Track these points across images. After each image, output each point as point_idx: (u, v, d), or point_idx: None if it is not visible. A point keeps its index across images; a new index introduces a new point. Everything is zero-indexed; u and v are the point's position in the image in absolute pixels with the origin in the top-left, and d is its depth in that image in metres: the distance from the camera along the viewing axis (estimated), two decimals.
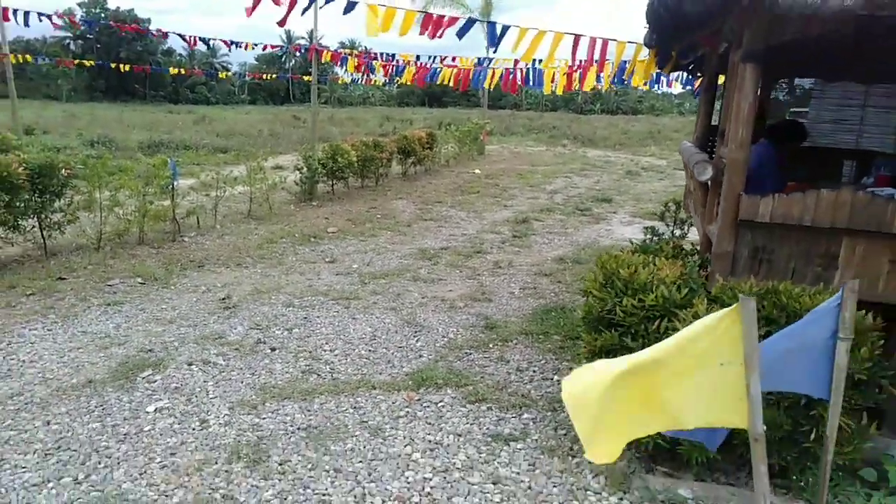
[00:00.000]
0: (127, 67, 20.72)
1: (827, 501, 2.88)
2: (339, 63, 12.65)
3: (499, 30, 6.39)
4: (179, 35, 11.04)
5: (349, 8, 6.85)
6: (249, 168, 11.09)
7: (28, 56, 18.87)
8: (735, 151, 3.46)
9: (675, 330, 2.98)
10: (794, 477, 3.04)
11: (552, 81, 10.16)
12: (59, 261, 7.46)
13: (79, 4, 61.74)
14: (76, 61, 25.24)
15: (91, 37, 62.69)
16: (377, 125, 35.47)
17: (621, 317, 3.17)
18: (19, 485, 3.12)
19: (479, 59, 11.53)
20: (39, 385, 4.27)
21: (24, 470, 3.25)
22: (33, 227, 7.55)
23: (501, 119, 41.38)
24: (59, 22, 14.99)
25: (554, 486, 3.17)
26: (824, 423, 2.88)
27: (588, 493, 3.12)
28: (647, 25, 4.04)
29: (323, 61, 12.00)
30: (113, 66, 19.77)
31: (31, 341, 5.06)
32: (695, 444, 3.02)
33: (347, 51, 11.31)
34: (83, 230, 8.21)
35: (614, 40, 6.23)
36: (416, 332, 5.59)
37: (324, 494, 3.09)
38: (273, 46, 12.55)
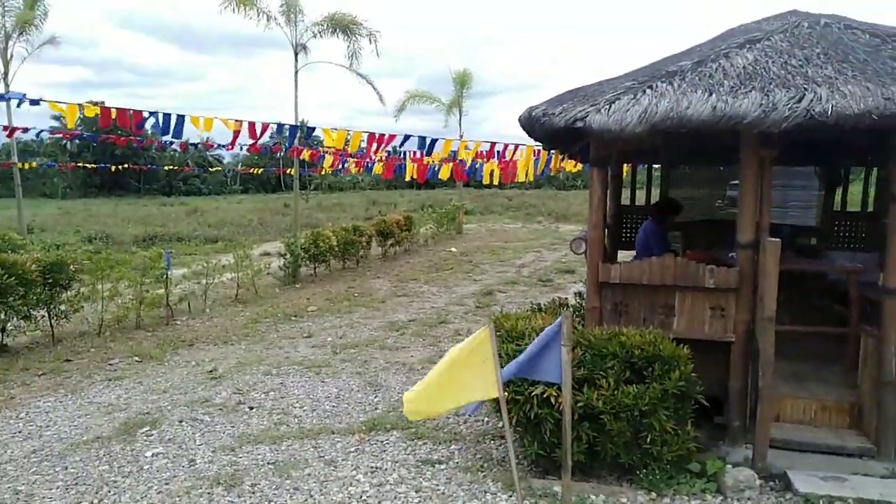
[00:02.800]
0: (123, 167, 22.19)
1: (660, 488, 3.86)
2: (318, 160, 14.16)
3: (427, 142, 7.70)
4: (171, 140, 12.41)
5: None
6: (236, 256, 12.25)
7: (34, 163, 20.33)
8: (592, 231, 4.62)
9: None
10: (638, 472, 4.01)
11: (490, 174, 11.59)
12: (65, 345, 8.43)
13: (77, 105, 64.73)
14: (78, 164, 26.87)
15: (87, 136, 65.35)
16: (363, 209, 37.07)
17: (503, 358, 4.21)
18: None
19: (452, 152, 12.98)
20: (56, 443, 5.20)
21: (51, 499, 4.17)
22: (42, 316, 8.57)
23: (483, 198, 43.21)
24: (58, 126, 16.47)
25: (462, 492, 4.11)
26: (657, 429, 3.91)
27: (487, 494, 4.06)
28: None
29: (303, 158, 13.44)
30: (112, 169, 21.24)
31: (46, 410, 5.99)
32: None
33: (324, 149, 12.74)
34: (86, 318, 9.23)
35: (524, 144, 7.58)
36: (375, 390, 6.55)
37: None
38: (256, 149, 13.99)
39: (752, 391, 4.50)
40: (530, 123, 4.33)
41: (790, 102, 3.74)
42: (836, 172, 7.30)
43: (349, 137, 7.43)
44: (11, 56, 16.46)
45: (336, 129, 7.61)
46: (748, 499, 3.86)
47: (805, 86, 3.85)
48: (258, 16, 13.28)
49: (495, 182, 12.37)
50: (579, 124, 4.05)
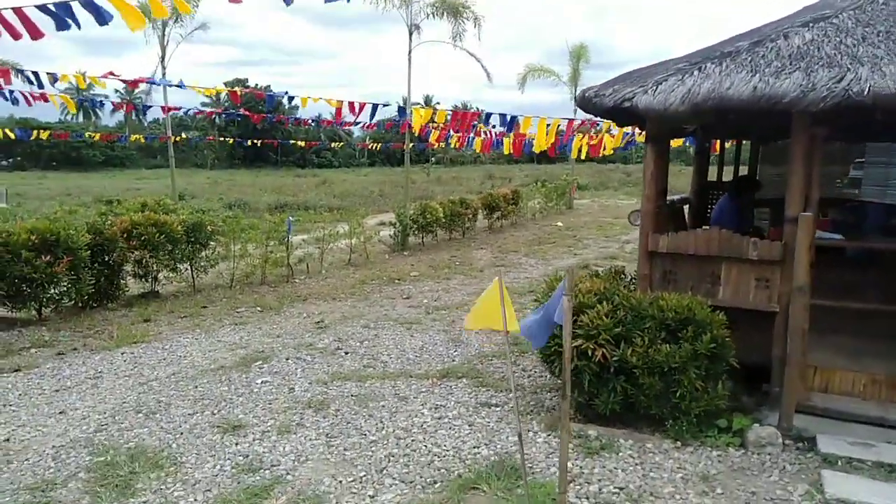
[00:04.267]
0: (260, 141, 24.40)
1: (685, 438, 4.25)
2: (425, 134, 15.01)
3: (508, 118, 8.11)
4: (296, 119, 13.77)
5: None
6: (350, 225, 13.39)
7: (184, 135, 22.81)
8: (645, 204, 4.95)
9: (588, 322, 4.49)
10: (667, 422, 4.39)
11: (578, 149, 11.80)
12: (203, 295, 9.85)
13: (224, 83, 70.49)
14: (221, 137, 29.81)
15: (233, 111, 71.12)
16: (479, 183, 37.84)
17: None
18: (180, 414, 5.12)
19: (547, 124, 13.29)
20: (190, 368, 6.36)
21: (183, 408, 5.25)
22: (186, 269, 10.05)
23: (601, 174, 42.63)
24: (208, 102, 18.63)
25: (509, 429, 4.70)
26: (686, 385, 4.28)
27: (529, 433, 4.62)
28: None
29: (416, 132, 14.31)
30: (249, 143, 23.49)
31: (185, 345, 7.23)
32: (602, 400, 4.47)
33: (433, 125, 13.54)
34: (220, 273, 10.66)
35: (599, 119, 7.81)
36: (457, 346, 7.23)
37: (358, 426, 4.82)
38: (370, 126, 15.04)
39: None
40: (584, 103, 4.72)
41: (829, 83, 3.88)
42: None
43: (434, 115, 8.05)
44: (168, 41, 18.62)
45: (423, 107, 8.29)
46: (768, 453, 4.13)
47: (850, 65, 3.96)
48: None
49: (582, 157, 12.61)
50: (627, 104, 4.40)
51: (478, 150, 13.68)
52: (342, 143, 40.80)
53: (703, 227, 7.63)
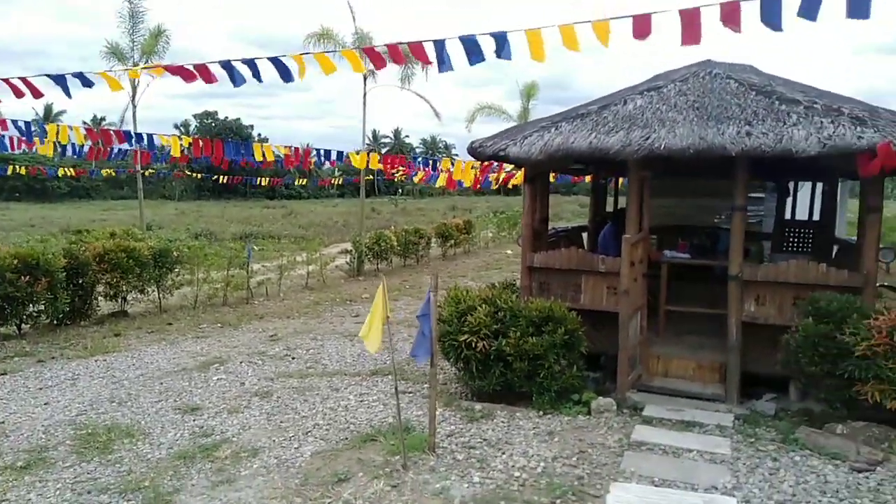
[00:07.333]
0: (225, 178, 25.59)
1: (546, 409, 5.50)
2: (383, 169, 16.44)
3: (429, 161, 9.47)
4: (250, 161, 15.10)
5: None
6: (308, 252, 14.58)
7: (152, 170, 23.77)
8: (525, 230, 6.28)
9: (473, 321, 5.73)
10: (533, 398, 5.64)
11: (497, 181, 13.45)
12: (169, 314, 10.90)
13: (194, 116, 71.42)
14: (185, 173, 30.97)
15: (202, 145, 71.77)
16: (441, 214, 39.32)
17: (448, 316, 5.95)
18: (147, 402, 6.21)
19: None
20: (156, 371, 7.43)
21: (149, 398, 6.34)
22: (153, 291, 11.10)
23: (557, 205, 44.40)
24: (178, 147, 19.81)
25: (415, 407, 5.91)
26: (546, 367, 5.55)
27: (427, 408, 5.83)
28: None
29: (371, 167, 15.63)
30: (215, 178, 24.63)
31: (151, 353, 8.29)
32: (486, 382, 5.70)
33: (390, 163, 15.03)
34: (185, 295, 11.71)
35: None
36: (390, 353, 8.39)
37: (294, 407, 5.98)
38: (332, 162, 16.34)
39: (638, 349, 6.00)
40: (472, 152, 6.06)
41: (640, 140, 5.27)
42: (784, 186, 8.45)
43: (369, 155, 9.36)
44: (138, 82, 19.76)
45: (359, 151, 9.66)
46: (604, 417, 5.41)
47: (656, 127, 5.36)
48: (335, 47, 15.60)
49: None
50: (502, 154, 5.75)
51: (442, 184, 15.28)
52: (305, 180, 42.16)
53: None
